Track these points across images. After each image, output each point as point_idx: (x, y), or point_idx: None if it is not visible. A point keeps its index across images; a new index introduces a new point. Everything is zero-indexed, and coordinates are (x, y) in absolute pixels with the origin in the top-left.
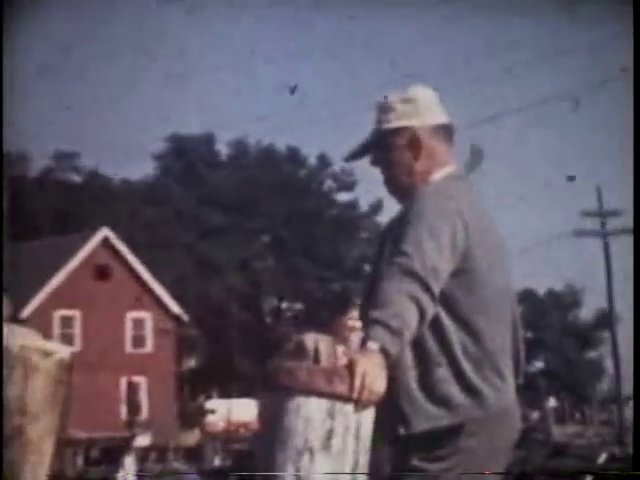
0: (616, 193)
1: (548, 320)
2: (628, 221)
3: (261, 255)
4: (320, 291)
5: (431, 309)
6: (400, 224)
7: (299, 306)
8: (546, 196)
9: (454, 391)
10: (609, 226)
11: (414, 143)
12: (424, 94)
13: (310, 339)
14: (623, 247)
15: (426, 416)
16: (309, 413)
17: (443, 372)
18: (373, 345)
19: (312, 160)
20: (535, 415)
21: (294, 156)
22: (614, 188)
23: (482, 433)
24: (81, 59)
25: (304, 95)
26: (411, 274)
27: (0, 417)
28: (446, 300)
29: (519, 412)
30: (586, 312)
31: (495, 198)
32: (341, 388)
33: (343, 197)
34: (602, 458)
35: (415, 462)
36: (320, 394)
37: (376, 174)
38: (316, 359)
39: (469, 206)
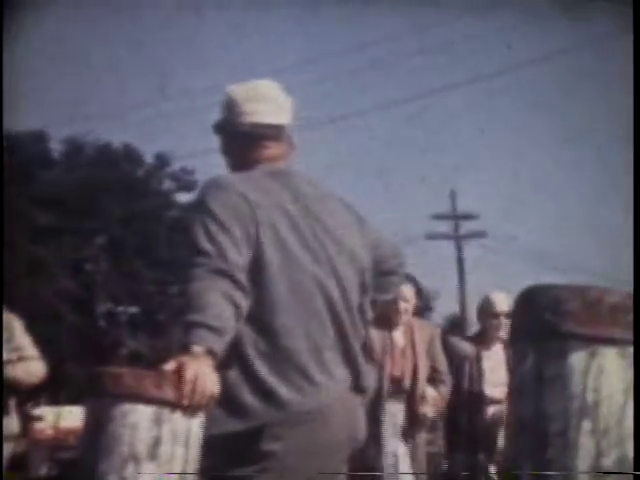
0: (470, 197)
1: None
2: (481, 225)
3: (95, 257)
4: (158, 295)
5: (245, 305)
6: (192, 224)
7: (135, 310)
8: (399, 199)
9: (246, 395)
10: (462, 230)
11: (252, 138)
12: (269, 90)
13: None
14: (476, 251)
15: (215, 422)
16: (135, 420)
17: (234, 375)
18: (198, 348)
19: (150, 159)
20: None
21: (131, 155)
22: (468, 192)
23: (287, 436)
24: None
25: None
26: (218, 272)
27: (0, 415)
28: None
29: (349, 412)
30: (437, 317)
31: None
32: (170, 394)
33: (183, 197)
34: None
35: (223, 465)
36: (148, 400)
37: (218, 172)
38: None
39: (276, 203)
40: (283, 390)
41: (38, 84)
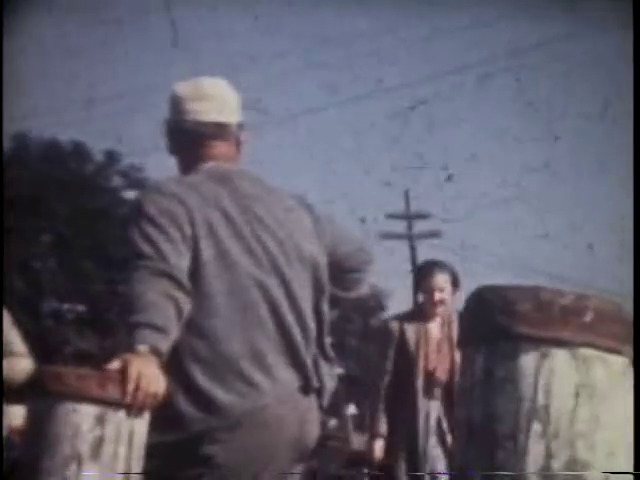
0: (423, 197)
1: (350, 324)
2: (434, 224)
3: (42, 255)
4: (107, 293)
5: (187, 305)
6: (129, 228)
7: (82, 308)
8: (352, 198)
9: (182, 402)
10: (415, 229)
11: (196, 136)
12: (214, 88)
13: None
14: (430, 251)
15: (152, 431)
16: (78, 420)
17: (170, 382)
18: (143, 347)
19: (99, 156)
20: (333, 422)
21: (79, 151)
22: (421, 192)
23: (227, 439)
24: None
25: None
26: (158, 273)
27: (0, 417)
28: None
29: (294, 413)
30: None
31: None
32: (114, 393)
33: (132, 195)
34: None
35: (165, 468)
36: (91, 400)
37: (168, 169)
38: None
39: (215, 205)
40: (220, 394)
41: None
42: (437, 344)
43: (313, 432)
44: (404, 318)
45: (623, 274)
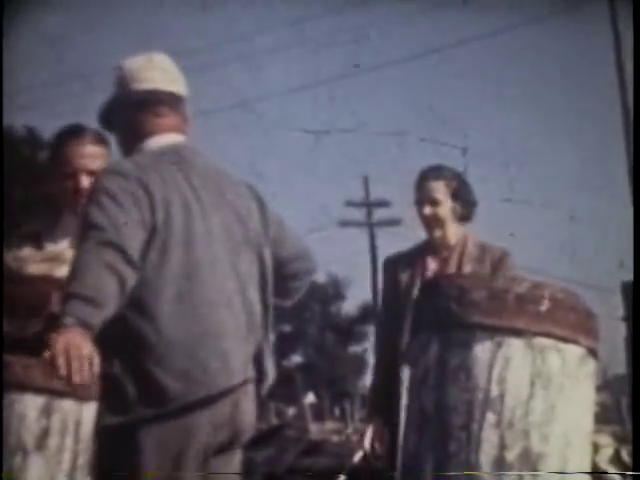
0: (382, 184)
1: (309, 312)
2: (394, 212)
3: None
4: None
5: (132, 281)
6: (88, 199)
7: None
8: (310, 185)
9: (129, 387)
10: (375, 217)
11: (147, 104)
12: (164, 61)
13: None
14: (389, 239)
15: (97, 415)
16: (23, 410)
17: (118, 366)
18: (70, 319)
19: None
20: (291, 411)
21: (33, 137)
22: (381, 178)
23: (155, 429)
24: None
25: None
26: (108, 244)
27: (0, 417)
28: None
29: (225, 399)
30: (349, 305)
31: (257, 183)
32: (59, 383)
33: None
34: (357, 456)
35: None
36: (36, 390)
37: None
38: None
39: (174, 189)
40: (165, 379)
41: None
42: None
43: (247, 420)
44: (400, 257)
45: None
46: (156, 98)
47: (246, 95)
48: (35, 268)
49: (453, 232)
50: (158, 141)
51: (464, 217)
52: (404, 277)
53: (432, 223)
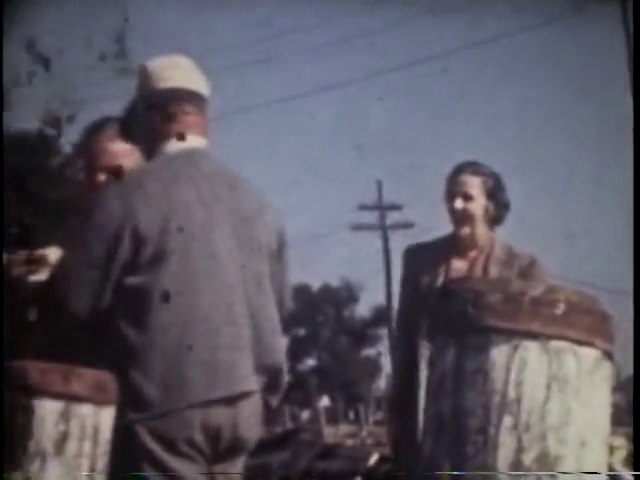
0: (396, 187)
1: (322, 316)
2: (407, 215)
3: (8, 248)
4: None
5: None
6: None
7: None
8: (324, 189)
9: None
10: (388, 220)
11: (172, 101)
12: (184, 61)
13: None
14: (402, 242)
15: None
16: (42, 414)
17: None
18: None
19: (67, 147)
20: (306, 415)
21: (46, 143)
22: (394, 182)
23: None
24: None
25: None
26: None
27: (0, 414)
28: None
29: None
30: (362, 308)
31: (271, 188)
32: (77, 388)
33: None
34: (373, 459)
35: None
36: (54, 395)
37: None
38: None
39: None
40: (148, 387)
41: None
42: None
43: (248, 432)
44: (422, 253)
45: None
46: (179, 95)
47: (258, 98)
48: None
49: (482, 232)
50: (177, 145)
51: (495, 219)
52: (425, 279)
53: (462, 219)
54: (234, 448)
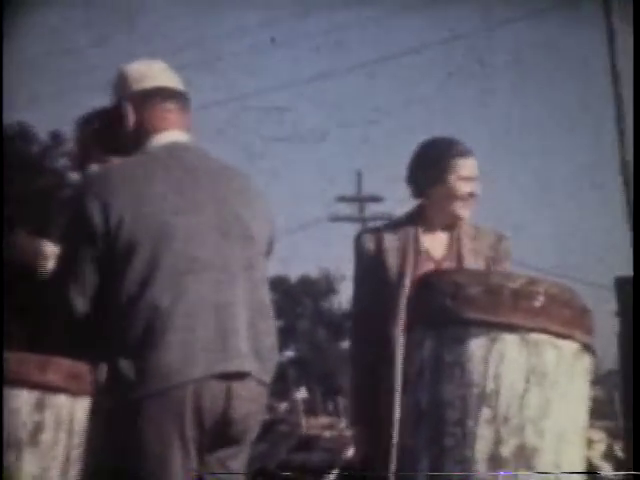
0: (375, 179)
1: (301, 307)
2: (387, 207)
3: None
4: None
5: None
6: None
7: None
8: (302, 181)
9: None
10: (367, 212)
11: (156, 98)
12: (163, 65)
13: None
14: None
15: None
16: (17, 405)
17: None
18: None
19: (44, 137)
20: (284, 406)
21: (24, 132)
22: (373, 174)
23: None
24: None
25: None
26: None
27: (0, 419)
28: None
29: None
30: (341, 300)
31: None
32: (53, 378)
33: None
34: (351, 451)
35: None
36: (29, 385)
37: None
38: None
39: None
40: (126, 370)
41: None
42: (438, 264)
43: (243, 414)
44: (386, 228)
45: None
46: (164, 92)
47: (238, 91)
48: None
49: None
50: (159, 139)
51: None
52: (393, 263)
53: (470, 202)
54: (230, 436)
